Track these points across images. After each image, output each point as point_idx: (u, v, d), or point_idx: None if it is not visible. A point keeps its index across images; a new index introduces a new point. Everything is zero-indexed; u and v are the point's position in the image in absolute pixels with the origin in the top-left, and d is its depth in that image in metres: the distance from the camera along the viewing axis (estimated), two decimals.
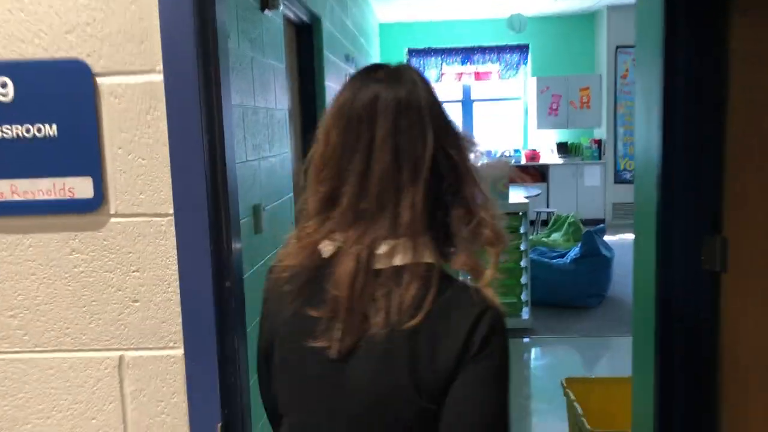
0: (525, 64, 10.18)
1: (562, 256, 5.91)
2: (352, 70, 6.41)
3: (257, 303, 1.13)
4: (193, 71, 1.20)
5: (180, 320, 1.26)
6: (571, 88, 9.84)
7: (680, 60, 1.87)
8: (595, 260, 5.45)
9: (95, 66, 1.22)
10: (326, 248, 0.98)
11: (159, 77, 1.21)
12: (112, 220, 1.25)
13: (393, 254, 0.94)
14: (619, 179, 9.68)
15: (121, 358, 1.27)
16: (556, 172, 9.79)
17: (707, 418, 1.94)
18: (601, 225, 5.75)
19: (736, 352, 1.86)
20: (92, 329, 1.26)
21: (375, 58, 9.43)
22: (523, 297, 5.05)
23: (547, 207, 9.71)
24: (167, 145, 1.22)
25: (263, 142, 2.88)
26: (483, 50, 10.17)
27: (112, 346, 1.27)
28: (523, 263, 5.03)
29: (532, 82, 9.96)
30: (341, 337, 0.93)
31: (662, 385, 1.96)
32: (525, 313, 5.04)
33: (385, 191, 0.95)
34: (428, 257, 0.95)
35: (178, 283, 1.25)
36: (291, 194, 3.38)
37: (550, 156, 10.14)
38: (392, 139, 0.95)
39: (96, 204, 1.24)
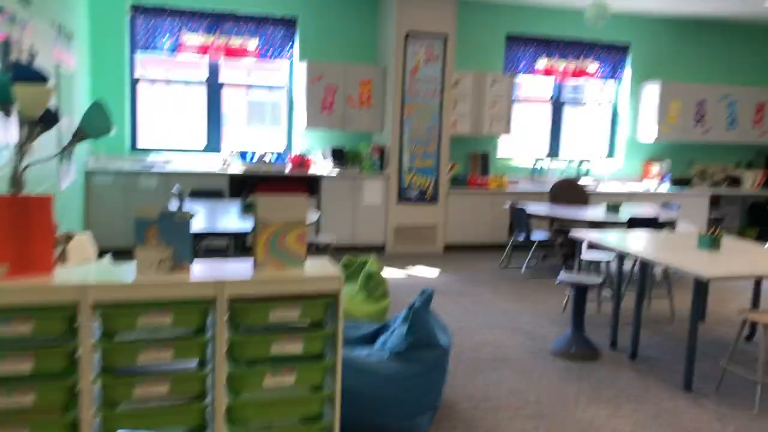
0: (292, 44, 7.88)
1: (372, 339, 3.71)
2: (23, 16, 3.53)
3: None
4: None
5: None
6: (350, 80, 7.79)
7: None
8: (429, 354, 3.34)
9: None
10: None
11: None
12: None
13: None
14: (403, 197, 7.87)
15: None
16: (330, 186, 7.65)
17: None
18: (428, 290, 3.66)
19: None
20: None
21: (83, 15, 6.37)
22: None
23: (317, 234, 7.54)
24: None
25: None
26: (237, 19, 7.64)
27: None
28: (327, 384, 2.69)
29: (301, 68, 7.71)
30: None
31: None
32: None
33: None
34: None
35: None
36: None
37: (321, 165, 7.99)
38: None
39: None
